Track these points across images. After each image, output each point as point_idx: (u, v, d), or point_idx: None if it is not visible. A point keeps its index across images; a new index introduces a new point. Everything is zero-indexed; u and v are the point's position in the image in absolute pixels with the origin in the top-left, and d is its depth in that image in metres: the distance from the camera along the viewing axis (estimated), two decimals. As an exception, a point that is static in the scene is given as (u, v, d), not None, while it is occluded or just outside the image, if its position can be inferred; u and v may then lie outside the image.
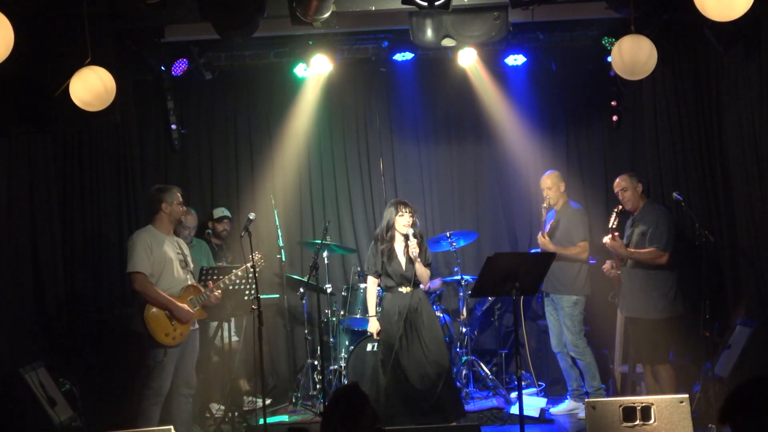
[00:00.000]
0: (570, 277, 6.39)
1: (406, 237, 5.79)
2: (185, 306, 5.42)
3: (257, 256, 5.85)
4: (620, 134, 7.56)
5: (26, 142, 5.93)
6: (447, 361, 5.85)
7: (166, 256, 5.44)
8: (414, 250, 5.71)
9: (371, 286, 6.00)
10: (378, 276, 5.92)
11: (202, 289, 5.59)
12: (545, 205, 6.52)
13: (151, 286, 5.33)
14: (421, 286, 5.97)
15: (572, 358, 6.48)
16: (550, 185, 6.53)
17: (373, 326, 5.93)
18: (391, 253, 5.86)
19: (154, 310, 5.32)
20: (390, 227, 5.86)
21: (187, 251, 5.71)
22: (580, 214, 6.52)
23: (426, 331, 5.77)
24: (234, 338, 6.84)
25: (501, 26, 5.86)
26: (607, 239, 5.88)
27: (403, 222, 5.82)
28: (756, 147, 5.52)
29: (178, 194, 5.61)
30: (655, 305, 5.85)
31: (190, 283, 5.57)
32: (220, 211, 7.28)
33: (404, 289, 5.83)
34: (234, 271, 5.78)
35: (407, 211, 5.82)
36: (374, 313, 5.97)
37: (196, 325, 5.67)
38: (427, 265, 5.91)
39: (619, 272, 6.09)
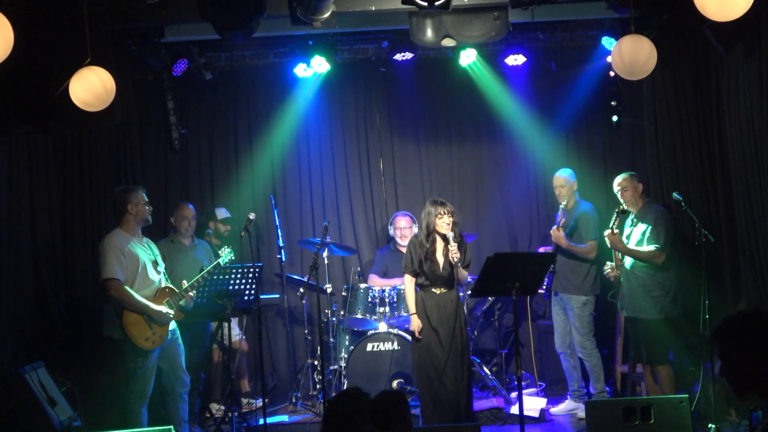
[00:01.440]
0: (580, 277, 6.36)
1: (445, 239, 5.60)
2: (163, 308, 5.38)
3: (226, 250, 5.86)
4: (620, 134, 7.55)
5: (26, 142, 5.93)
6: (467, 369, 5.74)
7: (138, 259, 5.39)
8: (454, 255, 5.52)
9: (409, 284, 5.76)
10: (415, 275, 5.73)
11: (176, 290, 5.54)
12: (563, 204, 6.46)
13: (127, 292, 5.26)
14: (460, 287, 5.87)
15: (577, 358, 6.46)
16: (563, 183, 6.50)
17: (415, 324, 5.66)
18: (431, 255, 5.69)
19: (133, 316, 5.27)
20: (431, 231, 5.66)
21: (157, 251, 5.66)
22: (590, 213, 6.49)
23: (453, 337, 5.63)
24: (237, 336, 6.83)
25: (501, 26, 5.84)
26: (607, 232, 5.90)
27: (443, 224, 5.62)
28: (756, 147, 5.52)
29: (143, 194, 5.53)
30: (655, 305, 5.86)
31: (164, 284, 5.53)
32: (223, 213, 7.23)
33: (438, 290, 5.70)
34: (207, 268, 5.75)
35: (446, 211, 5.61)
36: (415, 311, 5.70)
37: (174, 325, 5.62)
38: (466, 266, 5.75)
39: (618, 273, 6.09)
